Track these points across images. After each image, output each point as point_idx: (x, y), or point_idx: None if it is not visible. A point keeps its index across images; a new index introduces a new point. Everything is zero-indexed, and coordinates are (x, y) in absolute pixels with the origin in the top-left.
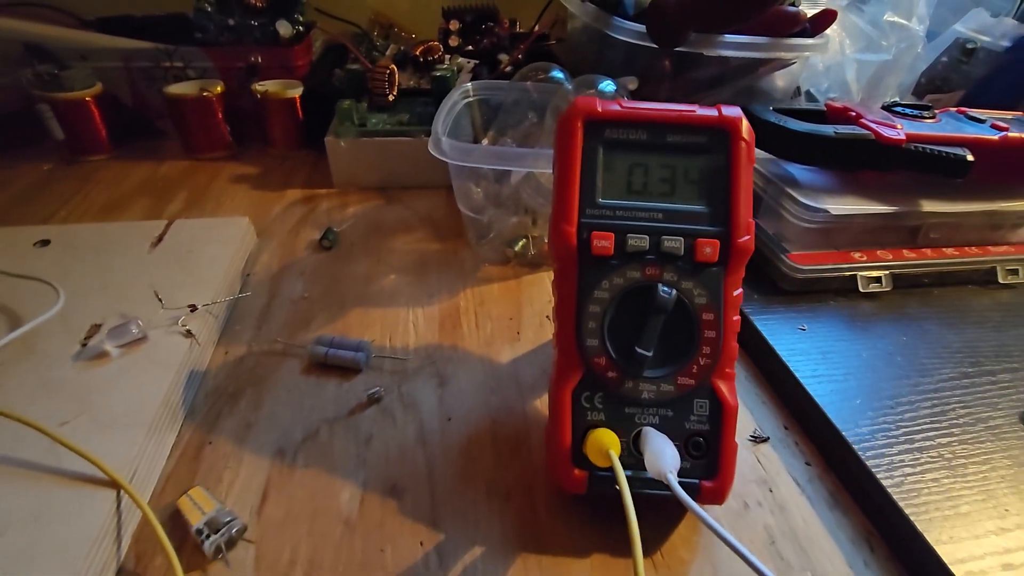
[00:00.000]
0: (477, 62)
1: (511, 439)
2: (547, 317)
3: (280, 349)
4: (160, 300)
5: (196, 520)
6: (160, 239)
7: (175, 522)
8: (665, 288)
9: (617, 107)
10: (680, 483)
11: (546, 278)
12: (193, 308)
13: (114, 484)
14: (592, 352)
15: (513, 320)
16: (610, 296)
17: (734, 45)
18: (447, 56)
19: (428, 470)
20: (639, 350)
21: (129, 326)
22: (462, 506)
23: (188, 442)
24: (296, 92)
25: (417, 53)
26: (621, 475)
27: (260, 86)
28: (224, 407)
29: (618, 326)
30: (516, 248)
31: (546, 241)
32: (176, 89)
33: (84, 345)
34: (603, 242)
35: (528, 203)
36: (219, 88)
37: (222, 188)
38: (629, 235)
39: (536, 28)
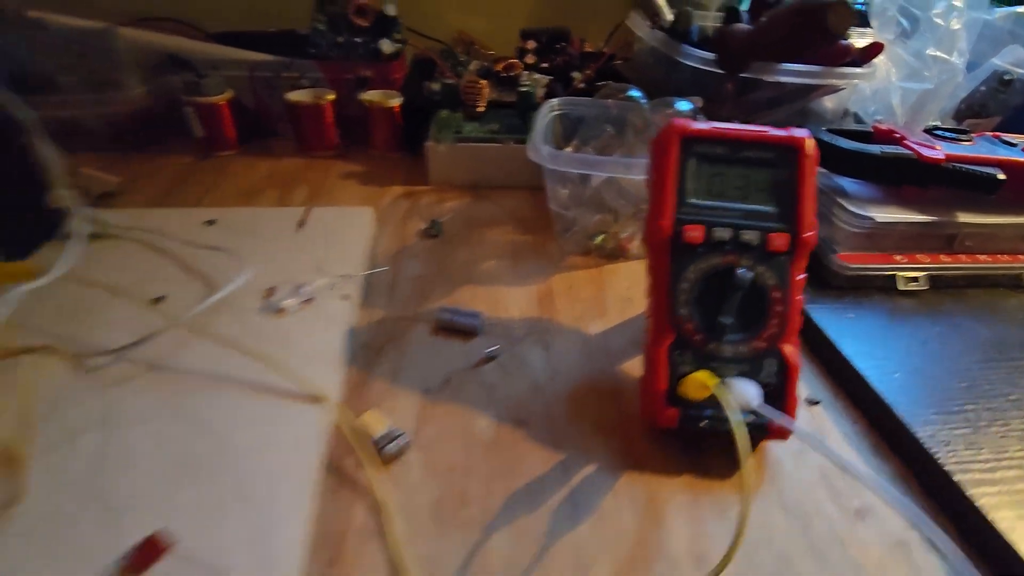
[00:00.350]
0: (552, 78)
1: (607, 392)
2: (628, 299)
3: (411, 315)
4: (320, 270)
5: (375, 433)
6: (303, 222)
7: (357, 435)
8: (743, 270)
9: (706, 127)
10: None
11: (623, 268)
12: (344, 277)
13: (316, 399)
14: (683, 320)
15: (598, 301)
16: (698, 276)
17: (791, 72)
18: (525, 72)
19: (544, 410)
20: (722, 319)
21: (301, 289)
22: (575, 437)
23: (353, 381)
24: (396, 102)
25: (499, 69)
26: (724, 395)
27: (366, 96)
28: (374, 357)
29: (704, 300)
30: (597, 241)
31: (622, 237)
32: (295, 96)
33: (266, 303)
34: (694, 233)
35: (610, 203)
36: (331, 96)
37: (335, 183)
38: (714, 228)
39: (605, 49)
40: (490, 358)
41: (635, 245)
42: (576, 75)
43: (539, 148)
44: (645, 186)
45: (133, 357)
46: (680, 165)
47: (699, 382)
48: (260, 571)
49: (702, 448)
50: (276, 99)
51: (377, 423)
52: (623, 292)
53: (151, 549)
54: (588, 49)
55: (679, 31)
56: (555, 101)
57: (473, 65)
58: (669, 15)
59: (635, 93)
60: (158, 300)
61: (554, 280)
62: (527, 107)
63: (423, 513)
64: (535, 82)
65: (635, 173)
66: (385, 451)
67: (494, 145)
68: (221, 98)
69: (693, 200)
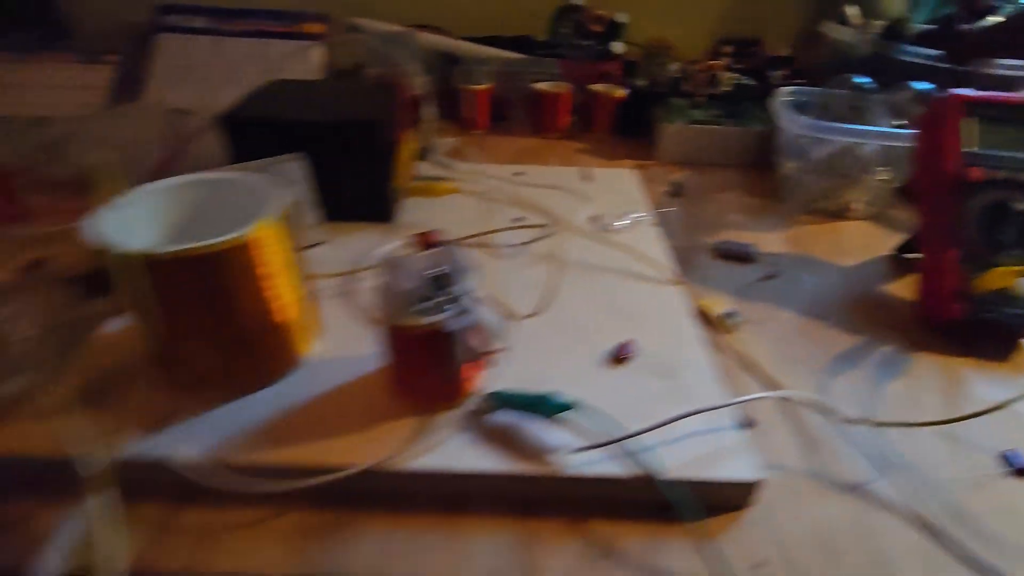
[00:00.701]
0: (744, 77)
1: (877, 302)
2: (864, 247)
3: (693, 245)
4: (624, 206)
5: (718, 311)
6: (590, 178)
7: (704, 311)
8: (1016, 202)
9: (985, 94)
10: None
11: (849, 225)
12: (643, 214)
13: (676, 283)
14: (969, 239)
15: (838, 246)
16: (978, 205)
17: (1003, 66)
18: (724, 72)
19: (831, 310)
20: (1001, 237)
21: (628, 217)
22: (866, 328)
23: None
24: (620, 92)
25: (700, 69)
26: None
27: (594, 87)
28: (685, 269)
29: (983, 224)
30: (822, 204)
31: (848, 199)
32: (541, 86)
33: (598, 226)
34: (977, 173)
35: (844, 170)
36: (568, 88)
37: (575, 157)
38: (993, 169)
39: (793, 53)
40: (771, 276)
41: (859, 207)
42: (774, 74)
43: (794, 119)
44: (910, 148)
45: (527, 251)
46: (961, 123)
47: (1003, 273)
48: (698, 373)
49: (978, 339)
50: (513, 89)
51: (716, 305)
52: (858, 242)
53: (626, 349)
54: (771, 53)
55: (895, 33)
56: (787, 90)
57: (675, 66)
58: (862, 22)
59: (862, 80)
60: (519, 220)
61: (792, 232)
62: (743, 98)
63: (772, 361)
64: (736, 79)
65: (882, 141)
66: (730, 322)
67: (717, 128)
68: (483, 87)
69: (972, 149)
